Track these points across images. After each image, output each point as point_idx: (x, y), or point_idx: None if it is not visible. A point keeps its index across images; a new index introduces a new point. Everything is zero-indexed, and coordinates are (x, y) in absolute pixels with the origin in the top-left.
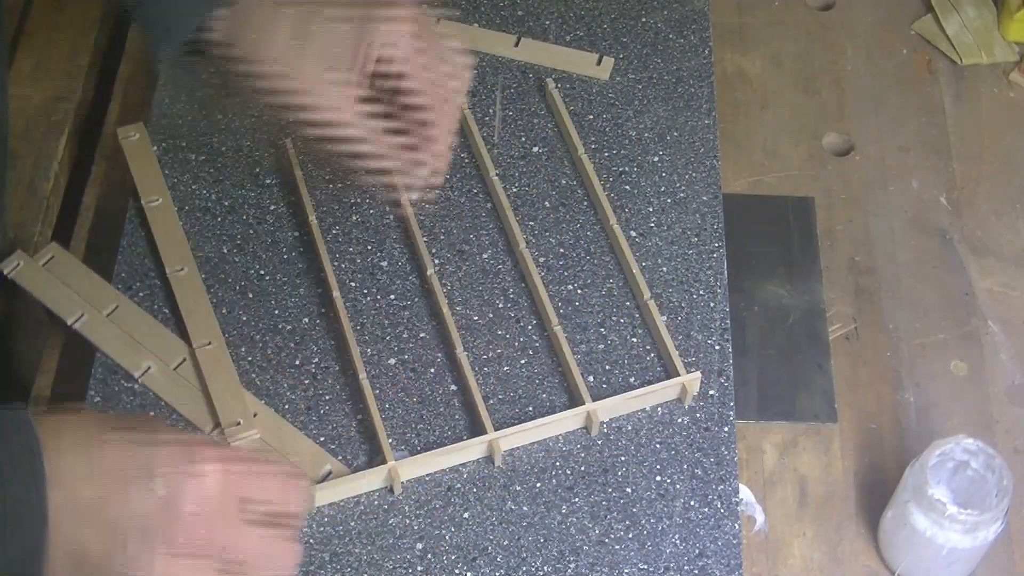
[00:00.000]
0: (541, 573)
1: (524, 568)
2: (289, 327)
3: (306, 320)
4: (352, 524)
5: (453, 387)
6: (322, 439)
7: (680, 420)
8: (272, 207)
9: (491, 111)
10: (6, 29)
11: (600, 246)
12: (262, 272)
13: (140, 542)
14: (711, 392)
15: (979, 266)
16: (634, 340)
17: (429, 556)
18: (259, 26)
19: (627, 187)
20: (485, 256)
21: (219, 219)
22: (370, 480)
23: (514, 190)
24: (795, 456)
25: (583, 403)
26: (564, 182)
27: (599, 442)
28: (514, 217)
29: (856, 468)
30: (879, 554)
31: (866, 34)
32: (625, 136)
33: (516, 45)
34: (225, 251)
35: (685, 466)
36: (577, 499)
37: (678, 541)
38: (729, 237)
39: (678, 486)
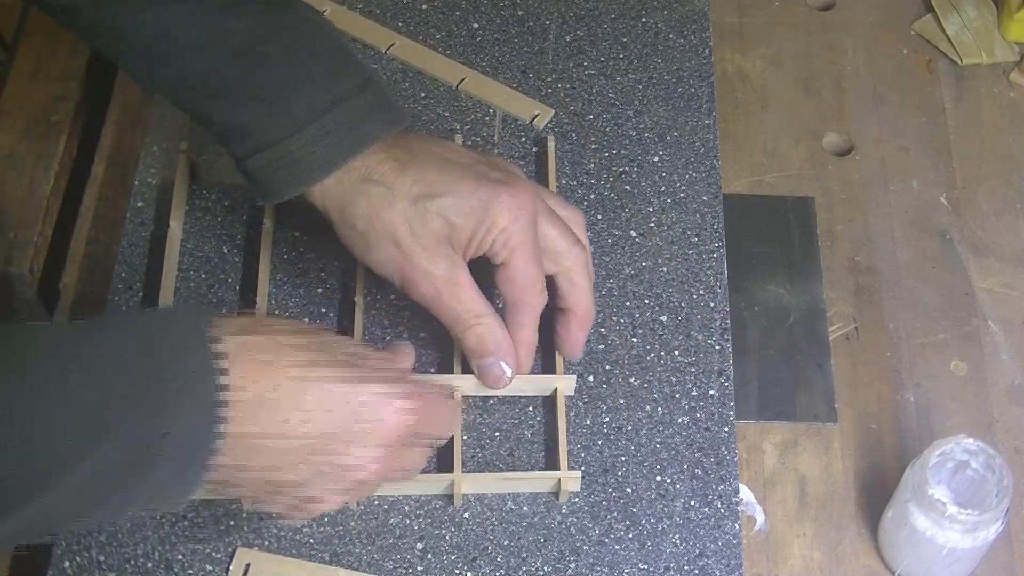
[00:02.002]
0: (541, 573)
1: (524, 568)
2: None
3: (306, 320)
4: (352, 524)
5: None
6: None
7: (680, 420)
8: (272, 207)
9: (491, 111)
10: (4, 30)
11: (600, 246)
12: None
13: (329, 477)
14: (711, 392)
15: (979, 266)
16: (634, 340)
17: (429, 556)
18: (382, 191)
19: (627, 187)
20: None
21: (219, 219)
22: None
23: None
24: (795, 456)
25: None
26: (564, 182)
27: (599, 442)
28: None
29: (856, 468)
30: (879, 554)
31: (866, 34)
32: (625, 136)
33: (457, 86)
34: (225, 251)
35: (685, 466)
36: (577, 499)
37: (678, 541)
38: (729, 237)
39: (678, 486)
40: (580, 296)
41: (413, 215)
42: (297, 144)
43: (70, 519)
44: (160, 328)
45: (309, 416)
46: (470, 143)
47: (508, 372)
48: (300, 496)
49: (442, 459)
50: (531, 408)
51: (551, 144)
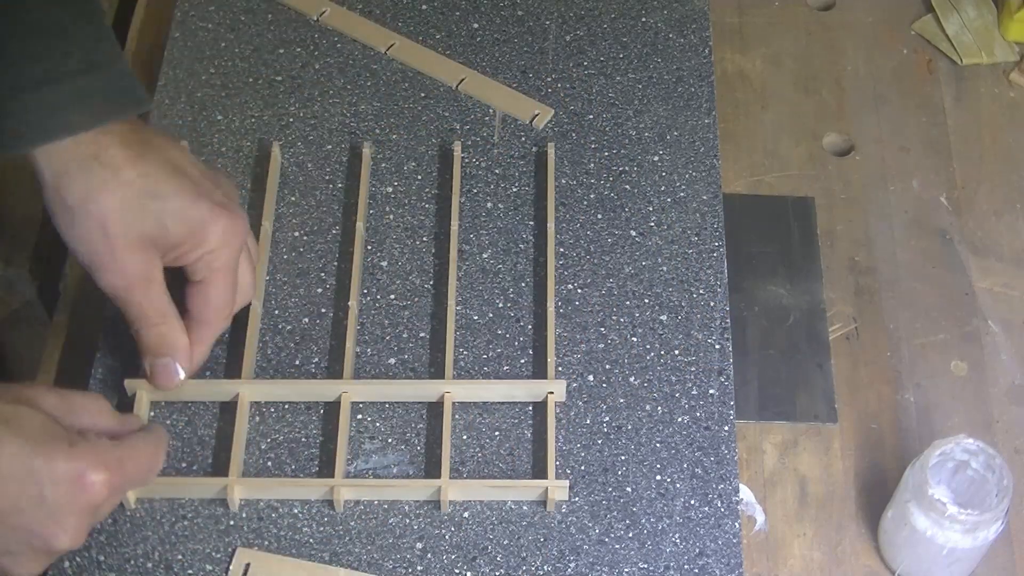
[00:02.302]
0: (541, 573)
1: (524, 568)
2: (289, 327)
3: (306, 320)
4: (352, 524)
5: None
6: (322, 439)
7: (680, 419)
8: (271, 212)
9: (491, 111)
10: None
11: (600, 246)
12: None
13: (26, 547)
14: (711, 392)
15: (979, 266)
16: (634, 340)
17: (429, 556)
18: (107, 175)
19: (627, 187)
20: (485, 256)
21: None
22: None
23: (514, 189)
24: (795, 456)
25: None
26: (564, 182)
27: (599, 442)
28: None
29: (856, 468)
30: (879, 554)
31: (866, 34)
32: (625, 136)
33: (457, 87)
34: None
35: (685, 465)
36: (577, 499)
37: (678, 540)
38: (729, 237)
39: (678, 485)
40: (213, 304)
41: (129, 208)
42: (21, 107)
43: None
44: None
45: (1, 488)
46: (470, 143)
47: (182, 374)
48: None
49: (430, 465)
50: (531, 407)
51: (551, 151)
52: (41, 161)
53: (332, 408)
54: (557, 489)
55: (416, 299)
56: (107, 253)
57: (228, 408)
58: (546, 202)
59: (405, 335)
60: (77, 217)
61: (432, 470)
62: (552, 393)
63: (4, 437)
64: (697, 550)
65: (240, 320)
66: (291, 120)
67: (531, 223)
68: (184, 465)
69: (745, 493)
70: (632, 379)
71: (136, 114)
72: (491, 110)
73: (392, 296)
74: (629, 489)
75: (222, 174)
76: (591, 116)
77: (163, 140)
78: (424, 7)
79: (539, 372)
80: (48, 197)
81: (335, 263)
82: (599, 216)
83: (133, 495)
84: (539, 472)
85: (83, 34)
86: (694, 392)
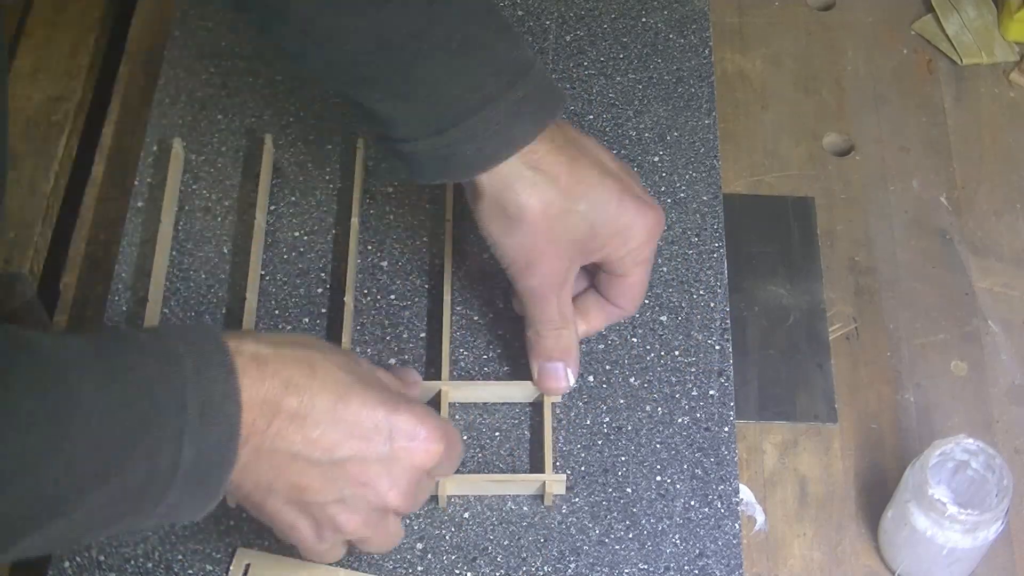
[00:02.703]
0: (541, 573)
1: (524, 568)
2: (289, 327)
3: (306, 320)
4: None
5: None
6: None
7: (680, 420)
8: (272, 207)
9: None
10: (4, 30)
11: None
12: (262, 272)
13: (356, 499)
14: (711, 392)
15: (979, 266)
16: (634, 340)
17: (429, 556)
18: (550, 182)
19: None
20: (485, 256)
21: (219, 219)
22: None
23: None
24: (795, 456)
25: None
26: None
27: (599, 442)
28: None
29: (856, 468)
30: (879, 554)
31: (866, 34)
32: (625, 136)
33: None
34: (225, 251)
35: (685, 466)
36: (577, 499)
37: (678, 541)
38: (729, 237)
39: (678, 486)
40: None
41: (567, 215)
42: (443, 142)
43: (75, 541)
44: (177, 342)
45: (345, 435)
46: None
47: (571, 380)
48: (323, 516)
49: None
50: (531, 407)
51: None
52: (483, 178)
53: None
54: (554, 483)
55: (416, 299)
56: (535, 257)
57: None
58: None
59: (405, 335)
60: (516, 225)
61: None
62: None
63: (354, 388)
64: (697, 551)
65: (236, 317)
66: (291, 120)
67: None
68: None
69: (745, 493)
70: (632, 380)
71: (560, 114)
72: None
73: (392, 296)
74: (629, 490)
75: (628, 166)
76: (591, 116)
77: (585, 139)
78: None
79: None
80: (484, 208)
81: (335, 263)
82: None
83: None
84: (537, 469)
85: (504, 46)
86: (694, 393)
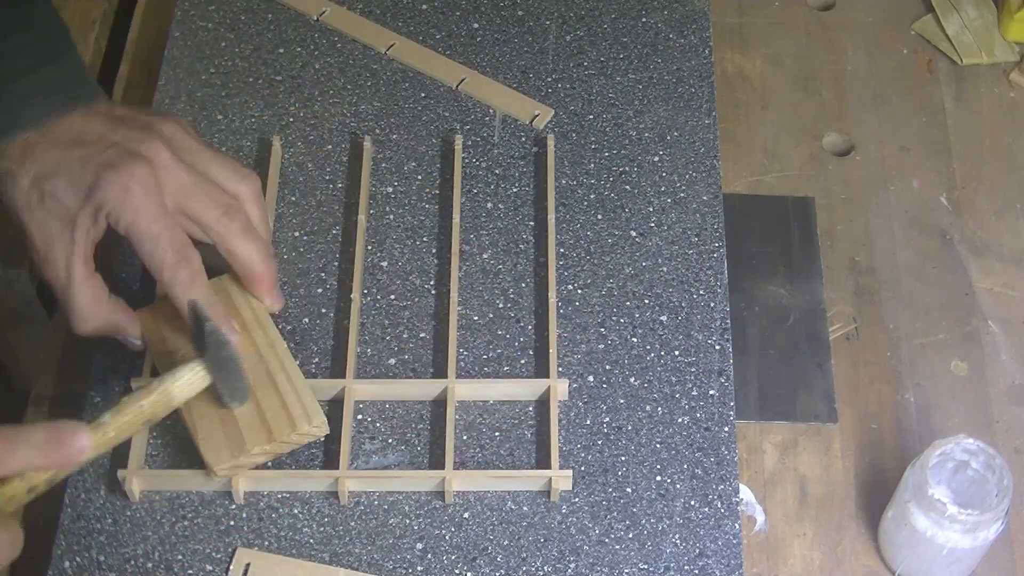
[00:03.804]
0: (541, 573)
1: (524, 568)
2: (289, 327)
3: (306, 320)
4: (352, 524)
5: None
6: (323, 439)
7: (680, 420)
8: (272, 207)
9: (491, 111)
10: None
11: (600, 246)
12: None
13: None
14: (711, 392)
15: (979, 266)
16: (634, 340)
17: (429, 556)
18: (8, 168)
19: (627, 187)
20: (485, 256)
21: None
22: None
23: (514, 190)
24: (795, 456)
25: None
26: (564, 182)
27: (599, 442)
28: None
29: (856, 468)
30: (879, 554)
31: (866, 34)
32: (625, 136)
33: (457, 87)
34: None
35: (685, 466)
36: (577, 499)
37: (678, 541)
38: (729, 237)
39: (678, 486)
40: (242, 263)
41: (30, 197)
42: None
43: None
44: None
45: None
46: (470, 143)
47: (137, 342)
48: None
49: (433, 459)
50: (531, 408)
51: (551, 143)
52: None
53: (333, 408)
54: (561, 479)
55: (416, 299)
56: (29, 246)
57: None
58: (546, 200)
59: (405, 335)
60: (9, 213)
61: (435, 464)
62: (557, 388)
63: None
64: (697, 551)
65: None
66: (291, 120)
67: (531, 223)
68: (186, 467)
69: (745, 493)
70: (632, 380)
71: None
72: (491, 110)
73: (392, 296)
74: (629, 490)
75: (141, 119)
76: (591, 116)
77: (72, 117)
78: (424, 7)
79: (540, 372)
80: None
81: (335, 263)
82: (599, 216)
83: (138, 486)
84: (542, 466)
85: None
86: (694, 393)
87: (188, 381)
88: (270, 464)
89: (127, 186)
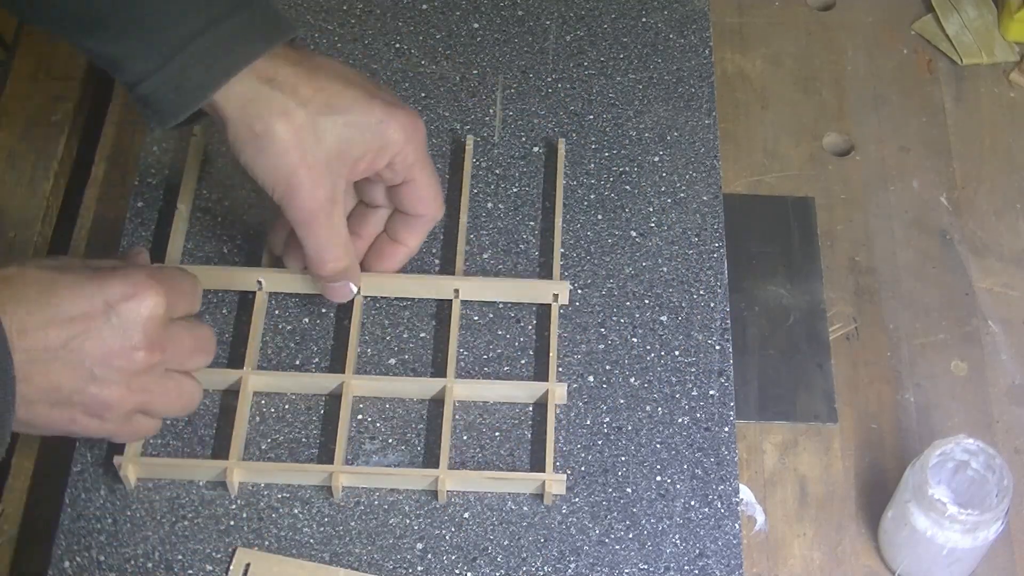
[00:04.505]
0: (541, 573)
1: (524, 568)
2: (289, 327)
3: (306, 320)
4: (352, 524)
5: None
6: (322, 439)
7: (680, 420)
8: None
9: (491, 111)
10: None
11: (600, 246)
12: None
13: (107, 370)
14: (711, 393)
15: (979, 266)
16: (634, 340)
17: (429, 556)
18: (284, 98)
19: (627, 187)
20: (485, 256)
21: (219, 219)
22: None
23: (514, 190)
24: (795, 456)
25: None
26: (564, 182)
27: (599, 443)
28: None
29: (856, 468)
30: (879, 554)
31: (866, 34)
32: (625, 136)
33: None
34: (225, 251)
35: (685, 466)
36: (577, 499)
37: (678, 541)
38: (729, 237)
39: (678, 486)
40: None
41: (310, 127)
42: (173, 70)
43: None
44: None
45: (65, 322)
46: (460, 144)
47: (355, 289)
48: (88, 400)
49: (429, 458)
50: (531, 408)
51: (561, 147)
52: (221, 102)
53: (332, 408)
54: (554, 483)
55: (416, 299)
56: (296, 178)
57: (227, 410)
58: (547, 201)
59: (406, 335)
60: (263, 143)
61: (431, 463)
62: (555, 392)
63: (58, 280)
64: (697, 551)
65: (246, 309)
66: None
67: (532, 223)
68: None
69: (745, 493)
70: (632, 380)
71: (290, 38)
72: (491, 110)
73: (392, 296)
74: (629, 490)
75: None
76: (591, 116)
77: (326, 58)
78: (424, 7)
79: (539, 374)
80: (233, 135)
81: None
82: (599, 216)
83: (133, 474)
84: (537, 468)
85: None
86: (694, 393)
87: None
88: (266, 457)
89: (411, 133)
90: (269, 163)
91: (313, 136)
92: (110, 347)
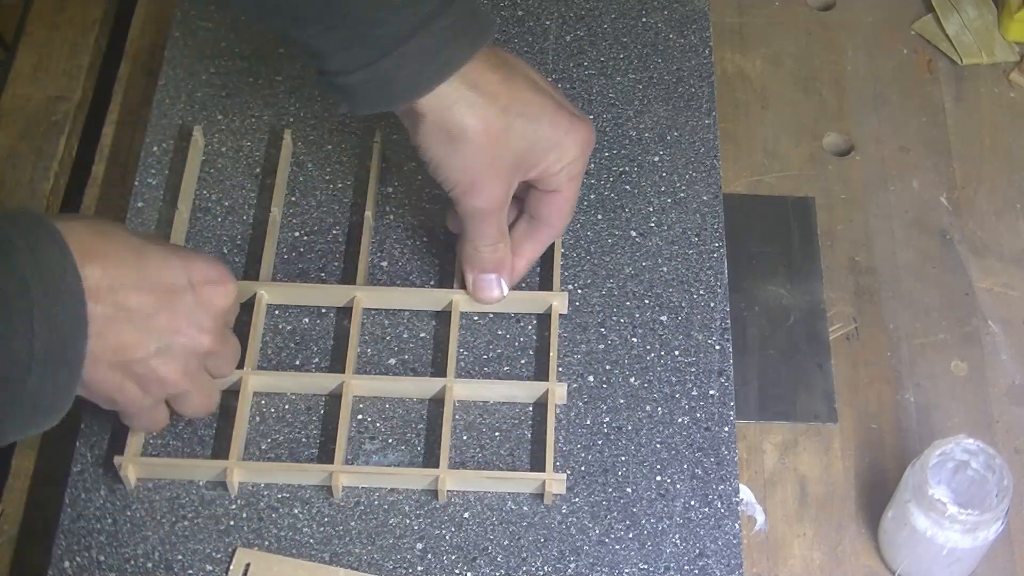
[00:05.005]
0: (541, 573)
1: (524, 568)
2: (289, 327)
3: (306, 320)
4: (352, 524)
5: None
6: (322, 439)
7: (680, 420)
8: (272, 207)
9: None
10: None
11: (600, 246)
12: None
13: (173, 345)
14: (711, 392)
15: (979, 266)
16: (634, 340)
17: (429, 556)
18: (479, 97)
19: (627, 187)
20: None
21: (219, 219)
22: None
23: None
24: (795, 456)
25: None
26: None
27: (599, 442)
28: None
29: (856, 468)
30: (879, 554)
31: (866, 34)
32: (625, 136)
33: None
34: (225, 251)
35: (685, 466)
36: (577, 499)
37: (678, 541)
38: (729, 237)
39: (678, 486)
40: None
41: (504, 131)
42: (381, 70)
43: None
44: (5, 227)
45: (150, 290)
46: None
47: (505, 290)
48: (146, 371)
49: (430, 458)
50: (531, 408)
51: None
52: (423, 103)
53: (332, 408)
54: (554, 482)
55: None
56: (480, 177)
57: (227, 411)
58: None
59: (405, 335)
60: (459, 146)
61: (431, 463)
62: (553, 393)
63: (148, 247)
64: (697, 551)
65: (245, 310)
66: (291, 120)
67: None
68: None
69: (745, 493)
70: (632, 380)
71: (492, 38)
72: None
73: (390, 308)
74: (629, 490)
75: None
76: (591, 116)
77: (515, 58)
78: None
79: (539, 374)
80: (426, 131)
81: (335, 263)
82: (599, 216)
83: (133, 474)
84: (537, 468)
85: None
86: (694, 393)
87: None
88: (266, 457)
89: (586, 147)
90: (458, 163)
91: (505, 140)
92: (182, 324)
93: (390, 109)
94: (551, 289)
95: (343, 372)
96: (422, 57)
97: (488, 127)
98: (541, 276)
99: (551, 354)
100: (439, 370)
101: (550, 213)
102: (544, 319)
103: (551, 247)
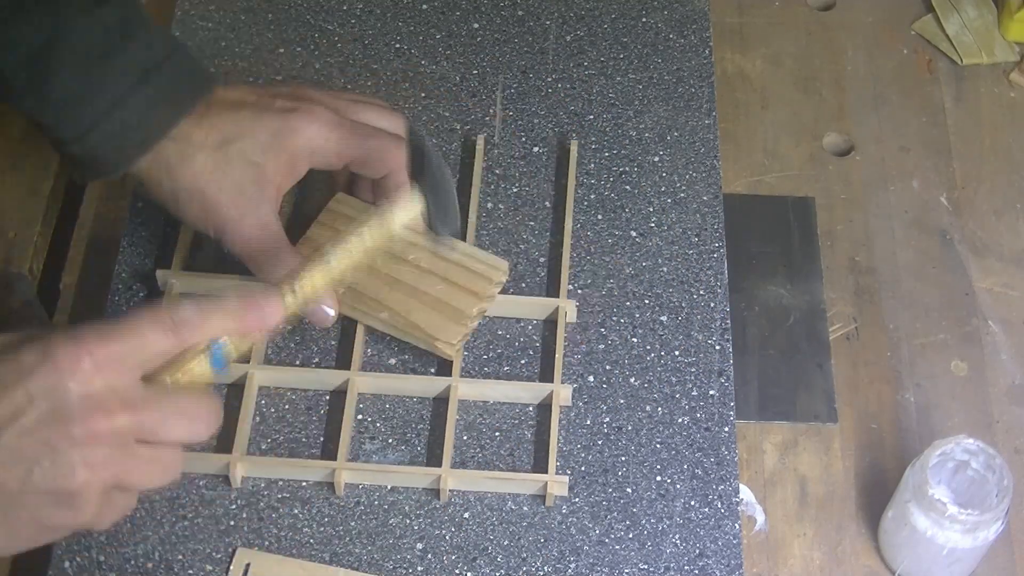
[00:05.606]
0: (541, 573)
1: (524, 568)
2: (289, 327)
3: (306, 320)
4: (352, 524)
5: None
6: (323, 439)
7: (680, 420)
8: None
9: (491, 111)
10: None
11: (600, 246)
12: None
13: (51, 455)
14: (711, 392)
15: (979, 266)
16: (634, 340)
17: (429, 556)
18: (180, 148)
19: (627, 187)
20: None
21: None
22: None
23: (514, 190)
24: (795, 456)
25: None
26: (564, 182)
27: (599, 443)
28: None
29: (856, 468)
30: (879, 554)
31: (866, 34)
32: (625, 136)
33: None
34: (225, 251)
35: (685, 466)
36: (577, 499)
37: (678, 541)
38: (729, 237)
39: (678, 486)
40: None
41: (214, 166)
42: (87, 146)
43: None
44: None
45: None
46: (470, 143)
47: (332, 312)
48: (46, 492)
49: (431, 457)
50: (531, 408)
51: (574, 149)
52: (146, 168)
53: (333, 408)
54: (556, 484)
55: None
56: (216, 217)
57: (229, 407)
58: (545, 200)
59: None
60: (179, 196)
61: (432, 463)
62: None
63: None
64: (697, 551)
65: None
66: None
67: (532, 223)
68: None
69: (745, 493)
70: (632, 380)
71: (211, 91)
72: (491, 110)
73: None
74: (629, 490)
75: (283, 86)
76: (591, 116)
77: (220, 89)
78: (424, 7)
79: (542, 374)
80: (151, 192)
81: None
82: (599, 216)
83: None
84: (540, 469)
85: (135, 46)
86: (694, 393)
87: (403, 206)
88: (266, 453)
89: (317, 127)
90: (190, 212)
91: (219, 173)
92: (44, 432)
93: (109, 178)
94: (557, 295)
95: (348, 368)
96: (122, 134)
97: (192, 168)
98: (547, 281)
99: (557, 356)
100: (440, 370)
101: (375, 171)
102: (547, 321)
103: (559, 253)
